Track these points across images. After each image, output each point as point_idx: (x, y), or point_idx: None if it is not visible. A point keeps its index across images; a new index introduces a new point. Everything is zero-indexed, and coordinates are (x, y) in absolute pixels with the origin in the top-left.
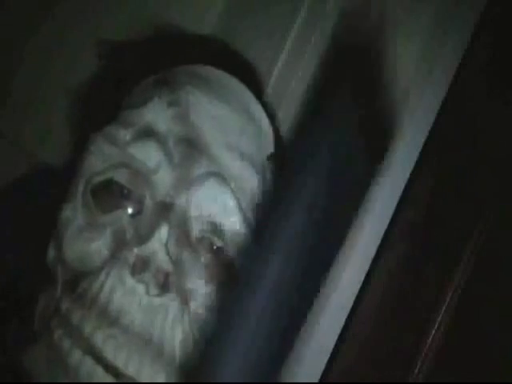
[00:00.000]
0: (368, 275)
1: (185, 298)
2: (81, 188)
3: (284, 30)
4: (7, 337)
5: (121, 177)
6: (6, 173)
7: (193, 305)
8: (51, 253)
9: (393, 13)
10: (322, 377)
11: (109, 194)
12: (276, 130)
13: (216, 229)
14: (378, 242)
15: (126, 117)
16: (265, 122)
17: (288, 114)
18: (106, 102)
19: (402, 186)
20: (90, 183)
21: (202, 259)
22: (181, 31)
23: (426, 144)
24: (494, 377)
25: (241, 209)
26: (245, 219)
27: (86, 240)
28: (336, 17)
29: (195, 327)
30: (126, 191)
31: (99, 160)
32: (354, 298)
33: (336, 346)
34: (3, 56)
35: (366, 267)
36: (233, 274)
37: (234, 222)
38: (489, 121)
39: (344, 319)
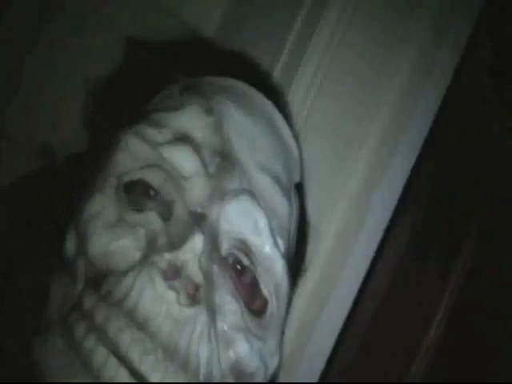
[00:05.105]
0: (368, 275)
1: (212, 314)
2: (113, 184)
3: (284, 30)
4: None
5: (152, 178)
6: (6, 173)
7: (220, 321)
8: (71, 245)
9: (393, 13)
10: (321, 377)
11: (139, 194)
12: (301, 156)
13: (244, 247)
14: (378, 242)
15: (159, 119)
16: (293, 146)
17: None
18: (114, 103)
19: (402, 185)
20: (121, 180)
21: (229, 275)
22: (185, 32)
23: (425, 143)
24: (494, 376)
25: (271, 230)
26: (274, 242)
27: (115, 236)
28: (336, 17)
29: (220, 345)
30: (155, 193)
31: (130, 158)
32: (353, 298)
33: (336, 345)
34: (7, 55)
35: (366, 267)
36: (258, 296)
37: (262, 243)
38: (488, 120)
39: (344, 319)
